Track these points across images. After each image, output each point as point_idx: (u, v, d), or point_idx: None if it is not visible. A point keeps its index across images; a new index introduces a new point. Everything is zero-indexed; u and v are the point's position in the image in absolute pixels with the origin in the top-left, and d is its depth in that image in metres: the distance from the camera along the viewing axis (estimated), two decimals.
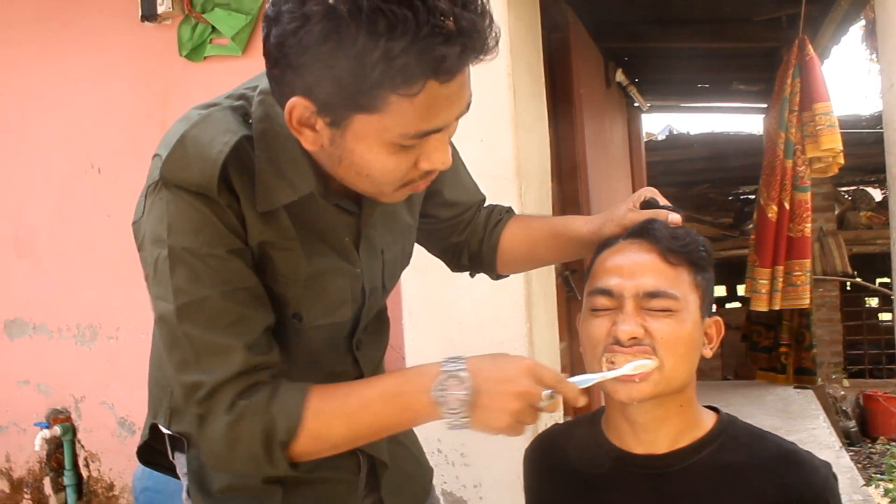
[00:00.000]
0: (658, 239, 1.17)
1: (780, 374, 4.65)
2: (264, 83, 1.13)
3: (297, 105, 1.02)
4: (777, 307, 4.11)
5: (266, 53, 1.03)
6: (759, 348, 4.70)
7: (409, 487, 1.50)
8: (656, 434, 1.20)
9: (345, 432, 1.13)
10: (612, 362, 1.13)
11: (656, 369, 1.12)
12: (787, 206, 4.04)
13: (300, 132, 1.06)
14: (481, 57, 1.00)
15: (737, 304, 10.26)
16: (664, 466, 1.19)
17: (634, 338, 1.12)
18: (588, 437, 1.28)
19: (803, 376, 4.60)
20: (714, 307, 1.25)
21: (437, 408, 1.06)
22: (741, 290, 10.92)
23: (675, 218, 1.23)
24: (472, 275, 1.59)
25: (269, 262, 1.17)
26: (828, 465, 1.18)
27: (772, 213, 4.05)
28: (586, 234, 1.36)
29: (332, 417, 1.11)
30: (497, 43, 1.01)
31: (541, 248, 1.49)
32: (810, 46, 4.11)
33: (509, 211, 1.55)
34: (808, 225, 4.15)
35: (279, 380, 1.14)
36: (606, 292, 1.16)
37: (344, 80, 0.97)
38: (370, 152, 1.05)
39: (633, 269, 1.15)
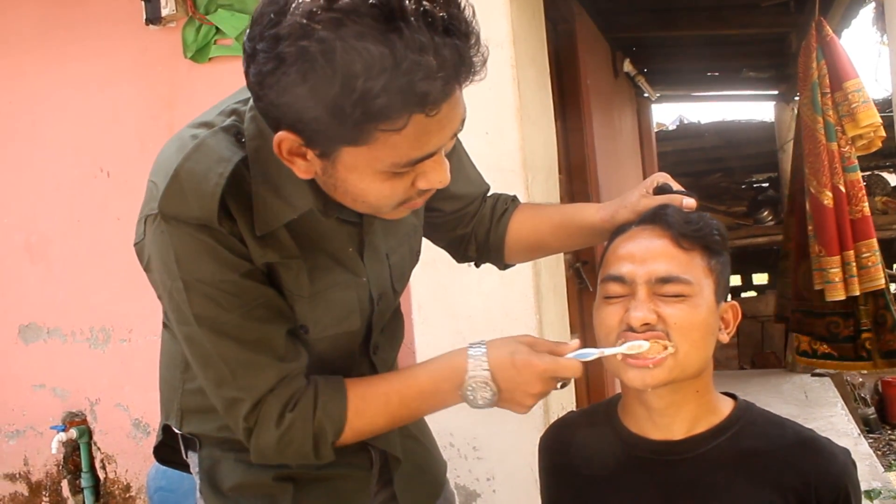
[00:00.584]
0: (670, 224, 1.15)
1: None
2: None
3: (285, 139, 1.00)
4: (856, 293, 4.00)
5: (248, 87, 1.01)
6: (840, 339, 4.57)
7: (422, 481, 1.50)
8: (673, 420, 1.19)
9: (384, 425, 1.25)
10: None
11: (671, 355, 1.11)
12: (842, 188, 3.96)
13: (292, 162, 1.04)
14: (469, 82, 0.97)
15: (752, 293, 10.21)
16: (681, 452, 1.18)
17: (647, 324, 1.11)
18: (604, 423, 1.27)
19: (892, 359, 4.48)
20: (730, 296, 1.23)
21: (466, 402, 1.18)
22: (757, 278, 10.89)
23: (689, 202, 1.21)
24: (477, 265, 1.57)
25: (274, 279, 1.17)
26: (847, 452, 1.17)
27: (827, 199, 3.96)
28: (598, 221, 1.34)
29: (373, 416, 1.21)
30: (485, 63, 0.98)
31: (549, 236, 1.47)
32: (827, 26, 4.06)
33: (515, 200, 1.52)
34: (865, 204, 4.05)
35: (316, 381, 1.20)
36: (619, 279, 1.15)
37: (326, 118, 0.94)
38: (363, 181, 1.03)
39: (645, 255, 1.14)
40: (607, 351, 1.14)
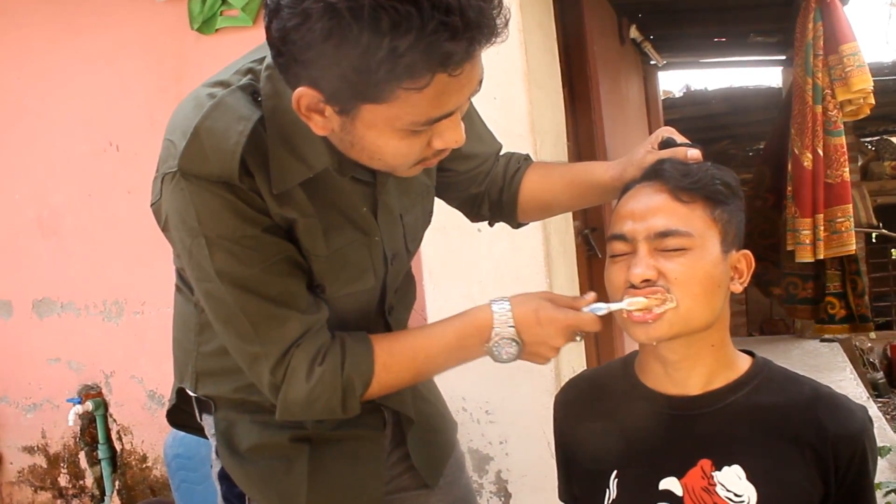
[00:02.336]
0: (668, 178, 1.16)
1: (828, 325, 4.55)
2: (270, 55, 1.10)
3: (305, 94, 1.01)
4: (822, 256, 4.03)
5: (269, 42, 1.01)
6: (797, 300, 4.58)
7: (434, 441, 1.52)
8: (689, 374, 1.19)
9: (409, 379, 1.29)
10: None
11: (672, 309, 1.11)
12: (820, 152, 3.96)
13: (310, 118, 1.05)
14: (491, 43, 0.98)
15: None
16: (698, 407, 1.18)
17: (647, 280, 1.11)
18: (621, 380, 1.28)
19: (862, 323, 4.50)
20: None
21: (490, 356, 1.22)
22: None
23: (693, 154, 1.22)
24: (491, 224, 1.58)
25: (292, 239, 1.18)
26: (864, 409, 1.17)
27: (807, 161, 3.97)
28: (608, 179, 1.36)
29: (400, 370, 1.24)
30: (507, 24, 0.99)
31: (561, 194, 1.48)
32: None
33: (527, 158, 1.53)
34: (846, 170, 4.04)
35: (341, 336, 1.22)
36: (621, 237, 1.16)
37: (349, 75, 0.95)
38: (381, 138, 1.04)
39: (645, 212, 1.15)
40: (613, 306, 1.16)
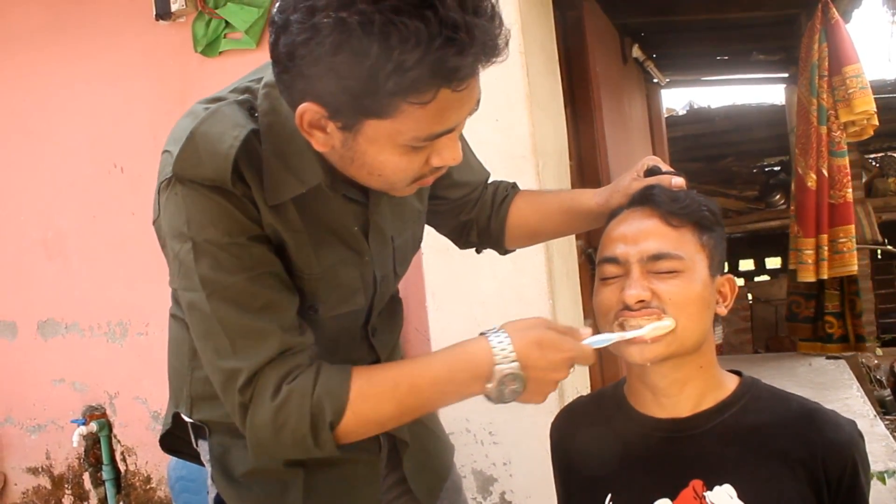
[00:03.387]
0: (658, 203, 1.18)
1: (826, 344, 4.54)
2: (268, 75, 1.13)
3: (308, 110, 1.02)
4: (825, 276, 4.03)
5: (275, 59, 1.02)
6: (799, 319, 4.58)
7: (430, 465, 1.52)
8: (678, 398, 1.20)
9: (391, 414, 1.16)
10: (622, 326, 1.14)
11: (669, 331, 1.13)
12: (825, 172, 3.97)
13: (311, 134, 1.06)
14: (494, 61, 1.00)
15: (766, 278, 10.16)
16: (688, 429, 1.20)
17: (642, 300, 1.13)
18: (612, 405, 1.29)
19: (858, 343, 4.49)
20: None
21: (487, 394, 1.12)
22: (770, 262, 10.84)
23: (678, 181, 1.25)
24: (478, 251, 1.61)
25: (283, 255, 1.18)
26: (852, 423, 1.18)
27: (811, 181, 3.98)
28: (595, 206, 1.38)
29: (379, 400, 1.13)
30: (507, 44, 1.01)
31: (548, 221, 1.51)
32: (834, 9, 4.04)
33: (514, 186, 1.57)
34: (849, 190, 4.06)
35: (319, 362, 1.15)
36: (613, 260, 1.18)
37: (356, 89, 0.96)
38: (382, 154, 1.05)
39: (637, 236, 1.17)
40: (614, 337, 1.15)
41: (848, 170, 4.04)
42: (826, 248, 3.97)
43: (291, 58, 0.98)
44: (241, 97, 1.16)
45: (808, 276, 4.01)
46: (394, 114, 0.99)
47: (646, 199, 1.21)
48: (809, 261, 3.99)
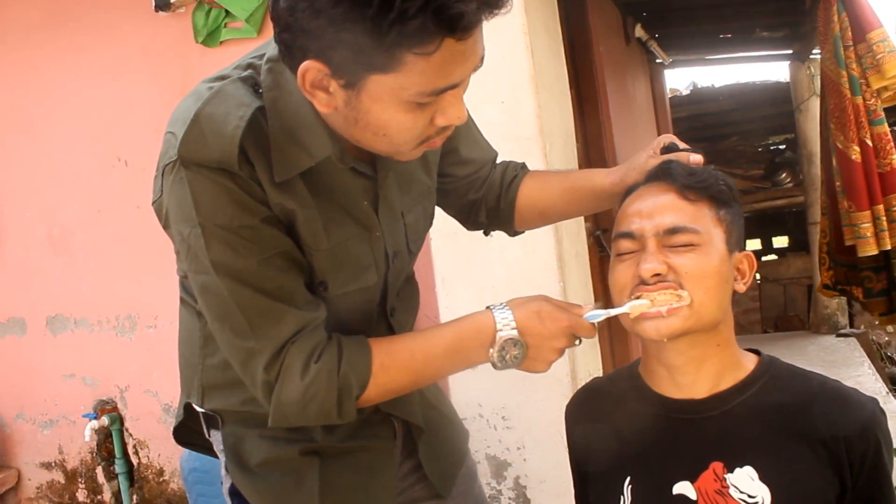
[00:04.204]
0: (675, 178, 1.16)
1: None
2: (271, 51, 1.12)
3: (311, 68, 1.01)
4: (888, 247, 3.96)
5: (275, 18, 1.02)
6: (874, 294, 4.50)
7: (445, 450, 1.51)
8: (695, 377, 1.18)
9: (408, 383, 1.24)
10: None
11: (686, 305, 1.11)
12: (868, 143, 3.90)
13: (313, 95, 1.05)
14: (497, 11, 0.98)
15: (773, 257, 10.14)
16: (706, 410, 1.17)
17: (658, 274, 1.11)
18: (628, 386, 1.27)
19: None
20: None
21: (492, 360, 1.19)
22: (777, 242, 10.81)
23: (696, 158, 1.23)
24: (486, 233, 1.59)
25: (293, 232, 1.17)
26: (875, 401, 1.16)
27: (855, 154, 3.91)
28: (608, 185, 1.36)
29: (398, 372, 1.20)
30: None
31: (560, 201, 1.48)
32: None
33: (524, 167, 1.54)
34: (894, 157, 4.00)
35: (338, 336, 1.19)
36: (629, 235, 1.16)
37: (358, 42, 0.95)
38: (386, 112, 1.04)
39: (653, 210, 1.15)
40: (612, 311, 1.15)
41: (889, 136, 3.98)
42: (883, 218, 3.89)
43: (292, 12, 0.97)
44: (244, 73, 1.15)
45: (870, 250, 3.92)
46: (398, 67, 0.97)
47: (662, 174, 1.19)
48: (868, 234, 3.90)
